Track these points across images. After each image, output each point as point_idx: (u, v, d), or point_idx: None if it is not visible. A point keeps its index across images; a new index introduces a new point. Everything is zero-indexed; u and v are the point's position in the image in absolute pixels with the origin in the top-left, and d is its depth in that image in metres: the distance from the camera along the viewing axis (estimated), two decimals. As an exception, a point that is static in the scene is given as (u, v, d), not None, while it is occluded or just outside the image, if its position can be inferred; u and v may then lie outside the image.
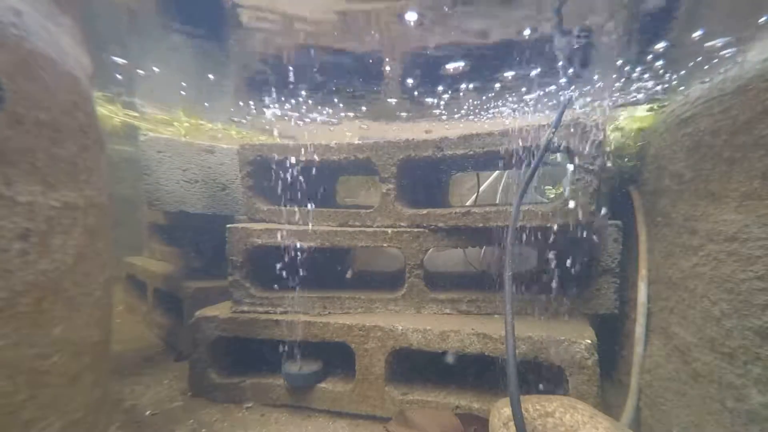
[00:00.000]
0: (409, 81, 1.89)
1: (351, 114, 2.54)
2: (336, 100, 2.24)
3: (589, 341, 1.25)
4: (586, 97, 1.98)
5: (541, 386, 1.29)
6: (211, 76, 1.94)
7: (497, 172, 2.70)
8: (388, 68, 1.71)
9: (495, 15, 1.29)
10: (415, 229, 1.59)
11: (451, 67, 1.69)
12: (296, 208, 1.77)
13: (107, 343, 1.02)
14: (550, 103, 2.12)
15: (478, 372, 1.54)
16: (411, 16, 1.35)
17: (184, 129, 2.83)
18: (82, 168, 0.84)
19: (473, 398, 1.41)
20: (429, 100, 2.15)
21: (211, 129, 3.08)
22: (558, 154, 1.70)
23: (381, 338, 1.45)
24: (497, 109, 2.31)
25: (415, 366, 1.60)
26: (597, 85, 1.83)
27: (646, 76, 1.70)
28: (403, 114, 2.48)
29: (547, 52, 1.53)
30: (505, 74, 1.75)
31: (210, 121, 2.97)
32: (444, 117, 2.50)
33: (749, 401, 0.85)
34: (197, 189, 2.16)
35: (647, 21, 1.31)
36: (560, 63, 1.56)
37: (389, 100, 2.19)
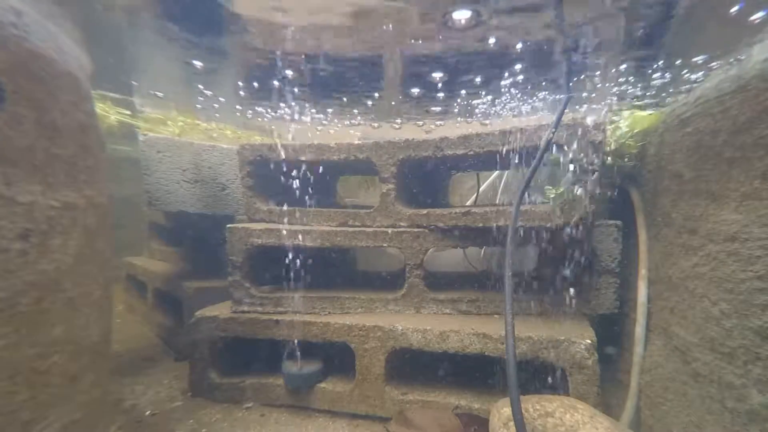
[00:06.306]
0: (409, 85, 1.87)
1: (356, 118, 2.53)
2: (337, 101, 2.23)
3: (589, 341, 1.25)
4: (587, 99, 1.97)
5: (541, 386, 1.29)
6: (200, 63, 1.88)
7: (497, 171, 2.70)
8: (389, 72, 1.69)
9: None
10: (415, 229, 1.59)
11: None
12: (296, 208, 1.77)
13: (107, 343, 1.02)
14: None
15: (478, 372, 1.54)
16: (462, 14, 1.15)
17: (178, 128, 2.81)
18: (82, 168, 0.84)
19: (473, 398, 1.41)
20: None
21: (206, 128, 3.07)
22: (558, 154, 1.70)
23: (381, 338, 1.45)
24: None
25: (416, 366, 1.60)
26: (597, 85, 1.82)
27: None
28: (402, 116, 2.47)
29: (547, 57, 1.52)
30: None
31: (206, 121, 2.96)
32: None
33: (749, 401, 0.85)
34: (197, 189, 2.16)
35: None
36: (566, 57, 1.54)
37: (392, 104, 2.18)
